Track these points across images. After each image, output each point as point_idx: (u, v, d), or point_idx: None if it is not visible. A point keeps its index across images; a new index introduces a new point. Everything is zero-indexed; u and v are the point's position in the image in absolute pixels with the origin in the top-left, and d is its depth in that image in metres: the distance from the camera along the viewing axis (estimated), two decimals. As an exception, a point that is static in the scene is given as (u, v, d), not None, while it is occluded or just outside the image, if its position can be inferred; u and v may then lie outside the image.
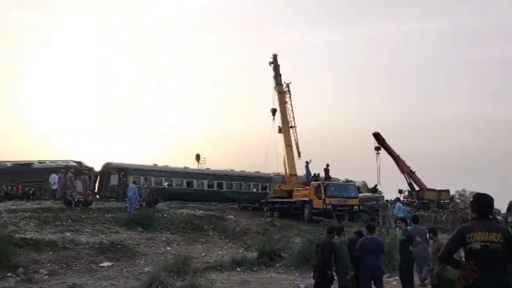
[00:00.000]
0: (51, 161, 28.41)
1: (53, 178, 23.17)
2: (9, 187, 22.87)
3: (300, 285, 11.25)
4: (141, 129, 72.27)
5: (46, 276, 11.82)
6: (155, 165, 31.08)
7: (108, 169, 28.79)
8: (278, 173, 28.76)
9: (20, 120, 63.90)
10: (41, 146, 56.95)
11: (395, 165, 33.82)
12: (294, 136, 28.04)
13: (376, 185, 32.68)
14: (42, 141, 57.57)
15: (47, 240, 14.32)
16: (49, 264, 12.85)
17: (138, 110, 74.75)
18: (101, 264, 13.51)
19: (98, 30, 73.63)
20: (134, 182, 23.62)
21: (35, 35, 70.42)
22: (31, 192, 23.26)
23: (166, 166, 31.28)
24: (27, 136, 61.52)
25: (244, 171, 33.53)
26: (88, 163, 29.21)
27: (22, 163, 27.26)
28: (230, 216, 23.00)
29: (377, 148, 33.54)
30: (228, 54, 78.16)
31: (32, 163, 27.48)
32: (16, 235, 13.79)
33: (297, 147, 28.02)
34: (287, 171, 27.36)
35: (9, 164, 26.90)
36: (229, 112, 73.49)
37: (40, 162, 28.11)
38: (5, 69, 65.44)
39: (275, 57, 28.91)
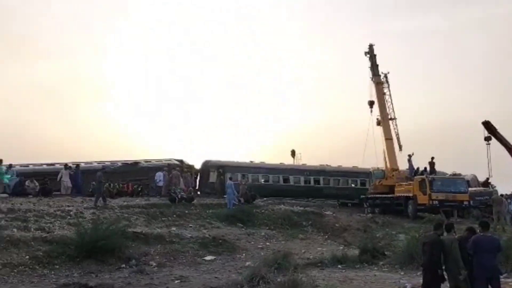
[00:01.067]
0: (156, 160, 30.53)
1: (159, 176, 24.87)
2: (120, 185, 24.94)
3: (407, 284, 10.78)
4: (238, 126, 74.27)
5: (156, 268, 12.73)
6: (252, 162, 31.83)
7: (207, 166, 30.16)
8: (378, 168, 27.88)
9: (126, 120, 69.13)
10: (145, 146, 61.15)
11: (509, 156, 30.87)
12: (394, 128, 27.06)
13: (487, 179, 30.12)
14: (146, 141, 61.86)
15: (155, 234, 15.41)
16: (157, 257, 13.82)
17: (235, 108, 76.99)
18: (204, 258, 14.23)
19: (191, 27, 76.62)
20: (231, 179, 24.48)
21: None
22: (139, 189, 25.20)
23: (262, 162, 31.90)
24: (133, 136, 66.44)
25: (341, 166, 33.03)
26: (188, 161, 30.92)
27: (130, 162, 29.60)
28: (328, 212, 22.81)
29: (487, 138, 30.78)
30: (321, 48, 77.15)
31: (139, 163, 29.73)
32: (128, 229, 15.00)
33: (398, 140, 27.01)
34: (388, 166, 26.45)
35: (119, 164, 29.36)
36: (324, 107, 72.51)
37: (146, 161, 30.35)
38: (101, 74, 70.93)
39: (371, 47, 28.09)
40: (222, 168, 29.53)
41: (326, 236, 19.46)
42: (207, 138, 63.59)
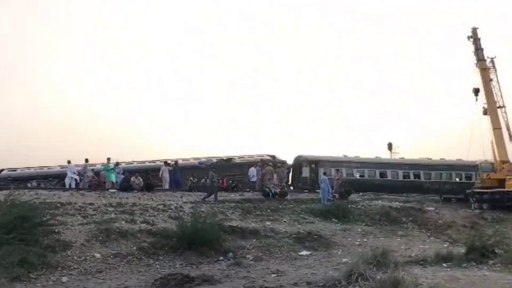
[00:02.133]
0: (248, 156, 31.27)
1: (252, 171, 25.45)
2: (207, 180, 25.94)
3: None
4: (329, 120, 73.20)
5: (252, 262, 13.02)
6: (346, 156, 31.27)
7: (300, 161, 30.19)
8: (486, 160, 25.88)
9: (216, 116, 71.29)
10: (237, 142, 62.77)
11: None
12: (503, 117, 24.94)
13: None
14: (238, 137, 63.49)
15: (250, 229, 15.78)
16: (253, 250, 14.15)
17: (324, 101, 75.93)
18: (300, 253, 14.27)
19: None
20: (325, 174, 24.27)
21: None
22: (234, 184, 25.99)
23: (357, 156, 31.18)
24: (227, 131, 68.46)
25: (444, 159, 31.20)
26: (281, 156, 31.21)
27: (225, 158, 30.65)
28: (430, 208, 21.68)
29: None
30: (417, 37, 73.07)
31: (233, 158, 30.69)
32: (225, 223, 15.55)
33: (508, 130, 24.84)
34: (497, 158, 24.44)
35: (214, 160, 30.55)
36: (422, 98, 68.74)
37: (239, 157, 31.22)
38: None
39: (474, 30, 26.13)
40: (315, 163, 29.44)
41: (429, 233, 18.54)
42: (297, 133, 63.48)
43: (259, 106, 77.11)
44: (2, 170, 31.68)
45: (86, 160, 24.40)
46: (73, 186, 23.04)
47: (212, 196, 20.03)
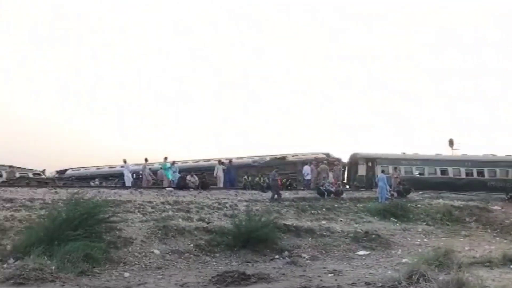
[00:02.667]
0: (302, 154, 31.12)
1: (306, 169, 25.29)
2: (270, 179, 26.02)
3: None
4: (386, 116, 71.19)
5: (308, 261, 12.98)
6: (404, 153, 30.37)
7: (356, 159, 29.64)
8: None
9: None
10: (291, 139, 62.50)
11: None
12: None
13: None
14: (291, 134, 63.21)
15: (305, 227, 15.71)
16: (309, 249, 14.09)
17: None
18: (357, 252, 14.04)
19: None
20: (383, 172, 23.68)
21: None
22: (287, 183, 25.95)
23: (416, 153, 30.21)
24: (278, 128, 68.27)
25: (510, 155, 29.56)
26: (335, 154, 30.79)
27: (278, 156, 30.68)
28: (496, 207, 20.63)
29: None
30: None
31: (286, 156, 30.66)
32: (280, 222, 15.57)
33: None
34: None
35: (267, 158, 30.67)
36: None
37: (293, 155, 31.14)
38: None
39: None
40: (372, 161, 28.84)
41: (494, 233, 17.65)
42: (354, 130, 62.37)
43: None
44: (67, 169, 33.49)
45: (146, 160, 25.33)
46: (129, 184, 23.96)
47: (275, 195, 20.04)
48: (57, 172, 33.19)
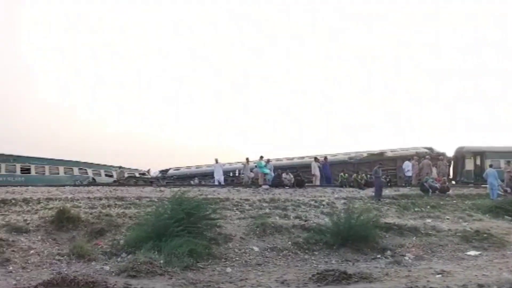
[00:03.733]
0: (401, 149, 29.94)
1: (407, 165, 24.32)
2: (368, 176, 25.36)
3: None
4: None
5: (412, 260, 12.46)
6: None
7: (462, 153, 27.96)
8: None
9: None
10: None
11: None
12: None
13: None
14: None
15: (409, 226, 15.09)
16: (413, 249, 13.51)
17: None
18: (467, 253, 13.20)
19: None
20: (491, 166, 22.02)
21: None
22: (387, 179, 25.12)
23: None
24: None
25: None
26: (438, 148, 29.22)
27: (376, 152, 29.83)
28: None
29: None
30: None
31: (385, 152, 29.70)
32: (380, 220, 15.15)
33: None
34: None
35: (364, 155, 29.96)
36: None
37: (391, 150, 30.07)
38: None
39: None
40: (480, 154, 27.03)
41: None
42: (457, 125, 58.99)
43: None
44: (169, 169, 35.61)
45: (247, 159, 26.14)
46: (222, 182, 24.93)
47: (378, 193, 19.56)
48: (160, 171, 35.45)
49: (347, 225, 13.57)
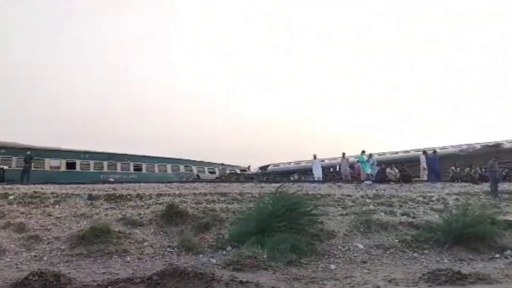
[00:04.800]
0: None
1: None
2: (482, 169, 23.60)
3: None
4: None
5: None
6: None
7: None
8: None
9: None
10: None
11: None
12: None
13: None
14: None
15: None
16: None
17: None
18: None
19: None
20: None
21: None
22: (504, 173, 23.21)
23: None
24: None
25: None
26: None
27: (491, 144, 27.68)
28: None
29: None
30: None
31: (501, 144, 27.45)
32: (499, 217, 14.01)
33: None
34: None
35: (478, 146, 27.94)
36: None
37: (509, 141, 27.71)
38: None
39: None
40: None
41: None
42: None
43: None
44: (268, 165, 36.30)
45: (343, 154, 25.80)
46: (321, 179, 24.70)
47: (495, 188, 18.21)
48: (260, 168, 36.26)
49: (460, 223, 12.74)
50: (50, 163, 33.40)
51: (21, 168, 28.69)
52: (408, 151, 30.95)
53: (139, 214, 14.69)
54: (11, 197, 16.66)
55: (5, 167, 30.90)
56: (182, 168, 36.47)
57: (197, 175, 34.78)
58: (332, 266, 11.01)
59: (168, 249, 12.01)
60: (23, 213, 14.62)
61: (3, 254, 11.18)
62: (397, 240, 12.94)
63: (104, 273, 9.70)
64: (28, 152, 29.71)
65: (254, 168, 36.80)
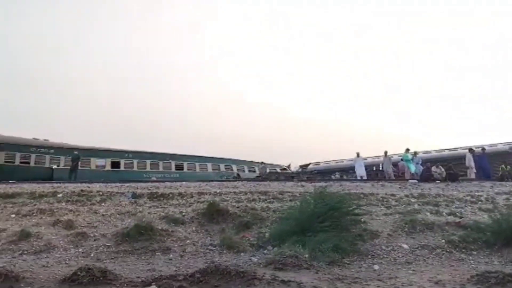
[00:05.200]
0: None
1: None
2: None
3: None
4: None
5: None
6: None
7: None
8: None
9: None
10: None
11: None
12: None
13: None
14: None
15: None
16: None
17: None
18: None
19: None
20: None
21: None
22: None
23: None
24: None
25: None
26: None
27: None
28: None
29: None
30: None
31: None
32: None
33: None
34: None
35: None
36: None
37: None
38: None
39: None
40: None
41: None
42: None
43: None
44: (309, 164, 36.10)
45: (385, 153, 25.37)
46: (365, 177, 24.31)
47: None
48: (301, 166, 36.11)
49: (511, 223, 12.23)
50: (95, 162, 34.51)
51: (69, 167, 29.82)
52: (454, 149, 30.00)
53: (181, 212, 14.95)
54: (60, 195, 17.36)
55: (54, 167, 32.24)
56: (222, 167, 36.83)
57: (237, 174, 35.02)
58: (376, 267, 10.82)
59: (210, 247, 12.16)
60: (71, 210, 15.18)
61: (53, 250, 11.66)
62: (443, 241, 12.56)
63: (148, 269, 9.94)
64: (75, 152, 30.84)
65: (295, 167, 36.68)
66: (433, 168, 21.69)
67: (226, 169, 36.49)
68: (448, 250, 12.09)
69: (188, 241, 12.51)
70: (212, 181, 23.89)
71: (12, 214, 14.86)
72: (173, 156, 36.01)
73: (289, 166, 36.35)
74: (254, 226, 13.73)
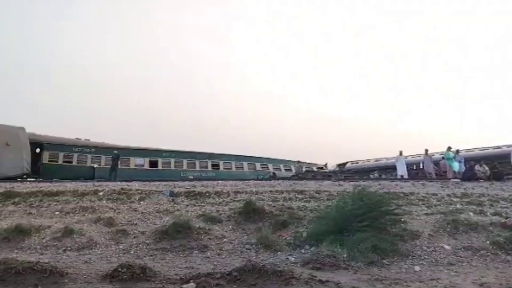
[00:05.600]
0: None
1: None
2: None
3: None
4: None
5: None
6: None
7: None
8: None
9: None
10: None
11: None
12: None
13: None
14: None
15: None
16: None
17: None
18: None
19: None
20: None
21: None
22: None
23: None
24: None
25: None
26: None
27: None
28: None
29: None
30: None
31: None
32: None
33: None
34: None
35: None
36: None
37: None
38: None
39: None
40: None
41: None
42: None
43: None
44: (346, 163, 35.69)
45: (426, 151, 24.85)
46: (406, 176, 23.79)
47: None
48: (338, 165, 35.75)
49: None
50: (134, 161, 35.30)
51: (109, 166, 30.63)
52: (499, 147, 28.93)
53: (218, 210, 15.07)
54: (101, 193, 17.86)
55: (95, 166, 33.19)
56: (258, 166, 36.89)
57: (273, 173, 35.01)
58: (417, 268, 10.58)
59: (247, 245, 12.20)
60: (111, 208, 15.58)
61: (95, 247, 11.99)
62: (488, 242, 12.14)
63: (186, 267, 10.07)
64: (115, 151, 31.65)
65: (332, 166, 36.34)
66: (477, 167, 21.03)
67: (262, 168, 36.53)
68: (493, 252, 11.68)
69: (225, 239, 12.60)
70: (249, 180, 23.97)
71: (56, 211, 15.38)
72: (210, 155, 36.37)
73: (325, 165, 36.05)
74: (291, 225, 13.68)
